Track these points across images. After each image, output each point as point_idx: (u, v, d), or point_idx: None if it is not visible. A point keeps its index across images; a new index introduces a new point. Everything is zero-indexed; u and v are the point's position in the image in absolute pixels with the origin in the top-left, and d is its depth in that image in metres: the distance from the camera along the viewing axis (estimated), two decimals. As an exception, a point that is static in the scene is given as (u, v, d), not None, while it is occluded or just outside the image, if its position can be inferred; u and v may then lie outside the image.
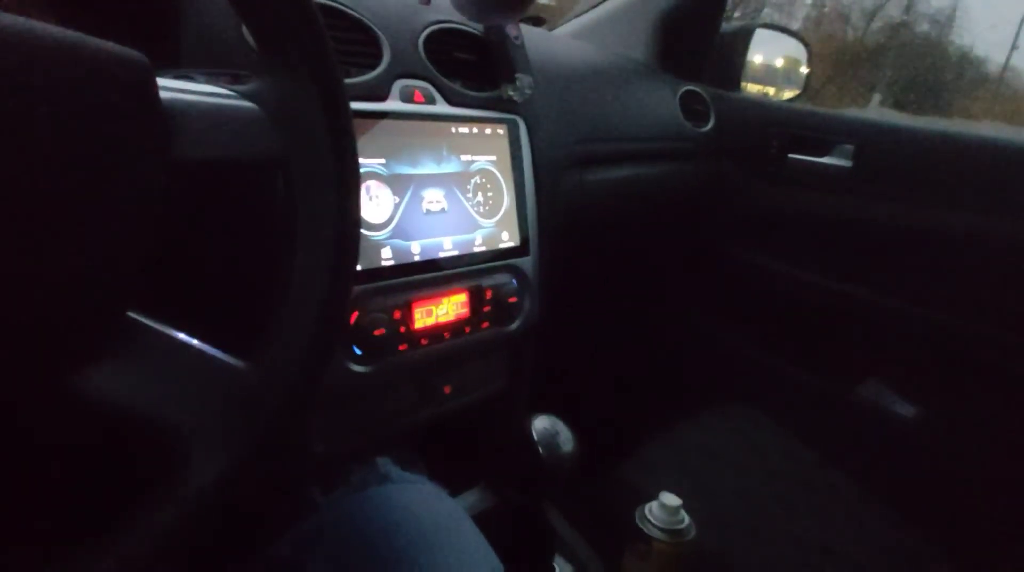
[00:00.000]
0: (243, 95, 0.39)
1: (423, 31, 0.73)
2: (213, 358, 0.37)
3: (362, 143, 0.64)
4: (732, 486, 1.03)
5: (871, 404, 1.20)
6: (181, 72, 0.43)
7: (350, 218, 0.42)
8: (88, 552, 0.33)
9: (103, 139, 0.30)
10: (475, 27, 0.80)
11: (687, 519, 0.85)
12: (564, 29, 1.41)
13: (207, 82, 0.38)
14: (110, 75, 0.30)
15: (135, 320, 0.34)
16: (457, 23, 0.78)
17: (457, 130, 0.73)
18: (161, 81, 0.33)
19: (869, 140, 1.13)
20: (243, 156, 0.38)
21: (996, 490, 1.04)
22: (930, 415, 1.14)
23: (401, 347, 0.68)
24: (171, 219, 0.33)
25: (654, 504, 0.85)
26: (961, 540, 1.01)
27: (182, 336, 0.36)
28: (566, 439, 0.75)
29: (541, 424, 0.75)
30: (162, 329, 0.35)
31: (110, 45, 0.30)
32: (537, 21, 1.28)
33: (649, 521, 0.84)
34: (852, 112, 1.53)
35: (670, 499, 0.84)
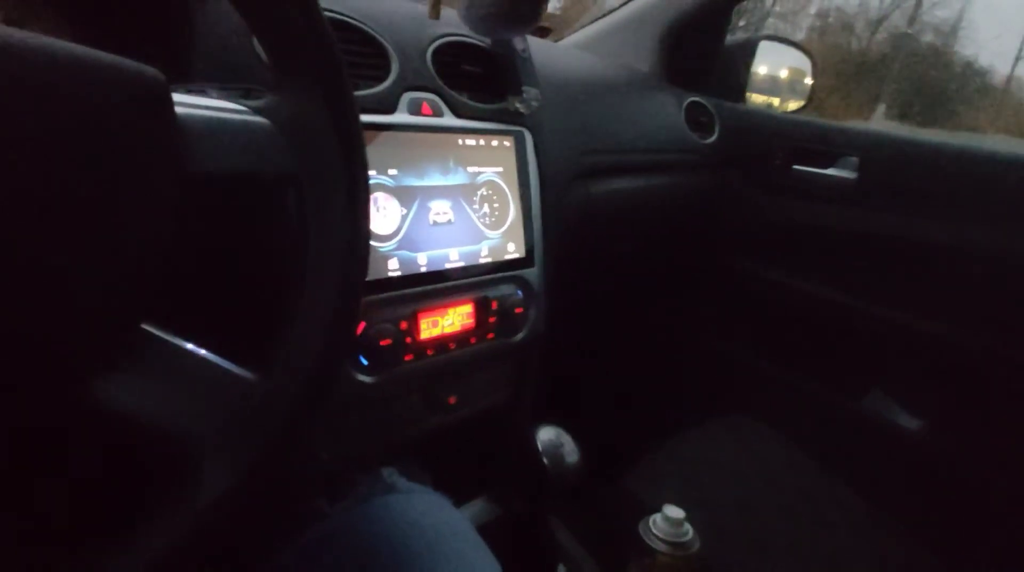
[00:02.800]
0: (256, 111, 0.39)
1: (431, 44, 0.74)
2: (224, 369, 0.38)
3: (370, 155, 0.63)
4: (737, 498, 1.03)
5: (876, 416, 1.20)
6: (194, 87, 0.43)
7: (360, 233, 0.42)
8: (100, 561, 0.33)
9: (119, 153, 0.30)
10: (483, 40, 0.80)
11: (691, 531, 0.85)
12: (569, 40, 1.41)
13: (220, 97, 0.39)
14: (127, 91, 0.30)
15: (148, 332, 0.35)
16: (465, 36, 0.78)
17: (464, 142, 0.73)
18: (176, 96, 0.33)
19: (874, 152, 1.13)
20: (255, 171, 0.39)
21: (1003, 502, 1.04)
22: (935, 427, 1.13)
23: (407, 357, 0.68)
24: (184, 232, 0.34)
25: (658, 516, 0.85)
26: (968, 553, 1.01)
27: (194, 347, 0.37)
28: (570, 451, 0.75)
29: (546, 435, 0.75)
30: (174, 340, 0.36)
31: (127, 62, 0.30)
32: (543, 31, 1.29)
33: (653, 533, 0.84)
34: (857, 124, 1.54)
35: (674, 511, 0.84)
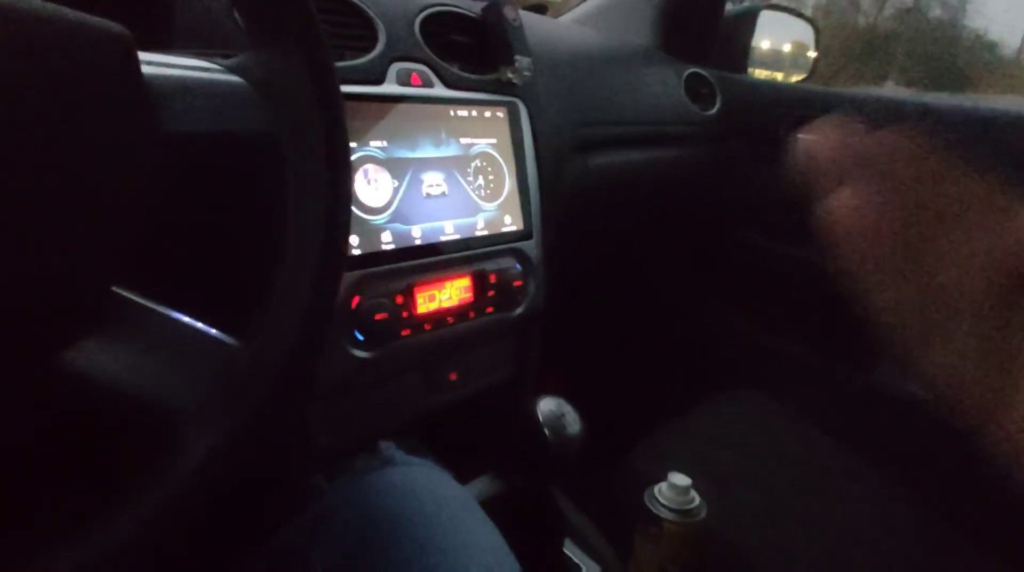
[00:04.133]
0: (229, 69, 0.38)
1: (419, 14, 0.72)
2: (203, 335, 0.37)
3: (359, 127, 0.63)
4: (745, 472, 1.02)
5: (888, 387, 1.18)
6: (170, 52, 0.42)
7: (341, 192, 0.41)
8: (79, 532, 0.33)
9: (83, 112, 0.29)
10: (472, 10, 0.79)
11: (697, 499, 0.84)
12: (567, 17, 1.40)
13: (192, 56, 0.38)
14: (89, 48, 0.29)
15: (122, 296, 0.34)
16: (453, 6, 0.77)
17: (456, 113, 0.72)
18: (144, 55, 0.32)
19: (879, 118, 1.11)
20: (230, 130, 0.38)
21: (1021, 471, 1.01)
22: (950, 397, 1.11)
23: (404, 332, 0.67)
24: (159, 194, 0.33)
25: (663, 485, 0.84)
26: (985, 523, 0.99)
27: (171, 312, 0.36)
28: (572, 421, 0.74)
29: (547, 406, 0.74)
30: (151, 305, 0.35)
31: (90, 18, 0.30)
32: (539, 9, 1.28)
33: (659, 502, 0.83)
34: (861, 89, 1.51)
35: (679, 479, 0.83)
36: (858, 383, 1.22)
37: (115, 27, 0.31)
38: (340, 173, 0.41)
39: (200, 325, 0.37)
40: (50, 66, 0.28)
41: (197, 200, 0.44)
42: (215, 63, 0.38)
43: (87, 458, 0.47)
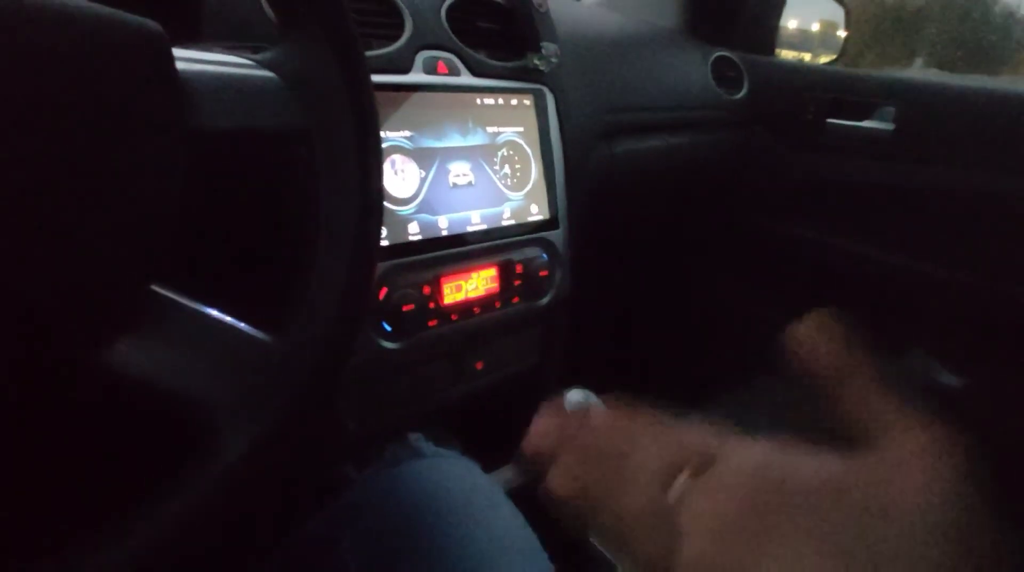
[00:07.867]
0: (261, 64, 0.38)
1: (445, 1, 0.71)
2: (238, 331, 0.37)
3: (386, 116, 0.63)
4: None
5: (915, 375, 1.17)
6: (200, 47, 0.42)
7: (373, 187, 0.41)
8: (120, 527, 0.33)
9: (117, 110, 0.29)
10: None
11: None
12: (591, 0, 1.38)
13: (224, 52, 0.38)
14: (124, 45, 0.29)
15: (159, 293, 0.34)
16: None
17: (482, 101, 0.71)
18: (177, 51, 0.32)
19: (913, 101, 1.08)
20: (262, 126, 0.38)
21: None
22: (978, 385, 1.09)
23: (431, 323, 0.67)
24: (193, 191, 0.33)
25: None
26: (1013, 512, 0.98)
27: (207, 309, 0.36)
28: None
29: (574, 398, 0.74)
30: (187, 302, 0.35)
31: (124, 15, 0.29)
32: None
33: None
34: (895, 72, 1.47)
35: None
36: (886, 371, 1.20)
37: (150, 24, 0.30)
38: (372, 167, 0.41)
39: (234, 322, 0.37)
40: (85, 64, 0.28)
41: (229, 196, 0.44)
42: (246, 58, 0.38)
43: (127, 454, 0.48)
